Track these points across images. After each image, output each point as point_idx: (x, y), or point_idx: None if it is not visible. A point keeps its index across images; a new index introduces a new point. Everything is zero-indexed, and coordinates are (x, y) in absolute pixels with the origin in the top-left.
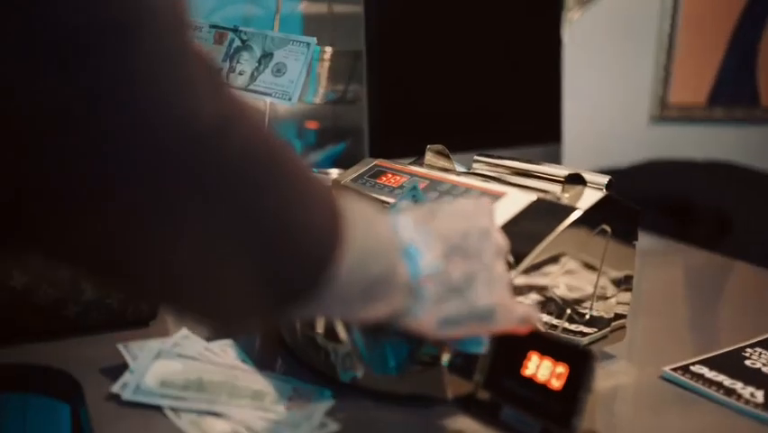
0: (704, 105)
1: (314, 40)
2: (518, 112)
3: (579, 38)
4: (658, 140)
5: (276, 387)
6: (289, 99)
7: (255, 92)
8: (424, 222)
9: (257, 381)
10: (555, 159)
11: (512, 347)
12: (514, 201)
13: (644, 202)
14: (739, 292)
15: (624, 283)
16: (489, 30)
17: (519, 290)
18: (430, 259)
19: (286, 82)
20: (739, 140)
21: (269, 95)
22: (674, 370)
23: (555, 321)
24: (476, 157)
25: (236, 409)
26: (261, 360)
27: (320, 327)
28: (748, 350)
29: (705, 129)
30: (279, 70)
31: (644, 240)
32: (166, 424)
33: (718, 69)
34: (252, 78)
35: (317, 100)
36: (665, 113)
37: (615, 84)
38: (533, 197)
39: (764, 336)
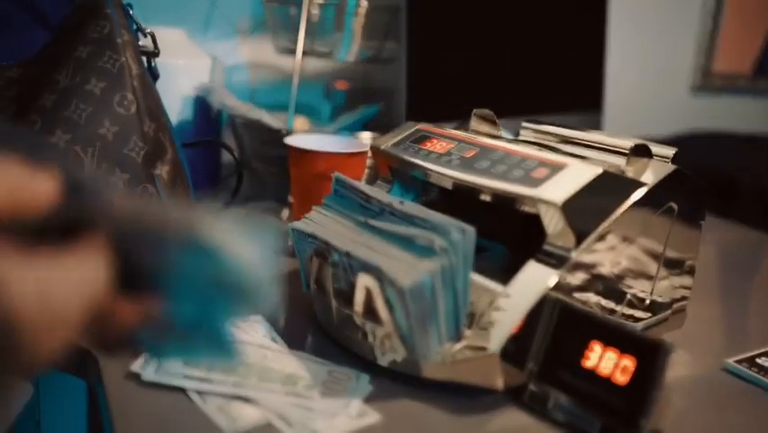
0: (749, 75)
1: None
2: (561, 78)
3: (622, 3)
4: (700, 110)
5: (309, 370)
6: None
7: None
8: None
9: (289, 363)
10: (596, 127)
11: (572, 336)
12: (574, 174)
13: None
14: None
15: (688, 266)
16: None
17: (576, 277)
18: None
19: None
20: None
21: None
22: (738, 362)
23: (613, 305)
24: (524, 123)
25: (267, 393)
26: (293, 340)
27: (358, 305)
28: None
29: (750, 100)
30: None
31: None
32: (190, 407)
33: (766, 38)
34: None
35: (350, 58)
36: (708, 82)
37: (657, 51)
38: (597, 169)
39: None
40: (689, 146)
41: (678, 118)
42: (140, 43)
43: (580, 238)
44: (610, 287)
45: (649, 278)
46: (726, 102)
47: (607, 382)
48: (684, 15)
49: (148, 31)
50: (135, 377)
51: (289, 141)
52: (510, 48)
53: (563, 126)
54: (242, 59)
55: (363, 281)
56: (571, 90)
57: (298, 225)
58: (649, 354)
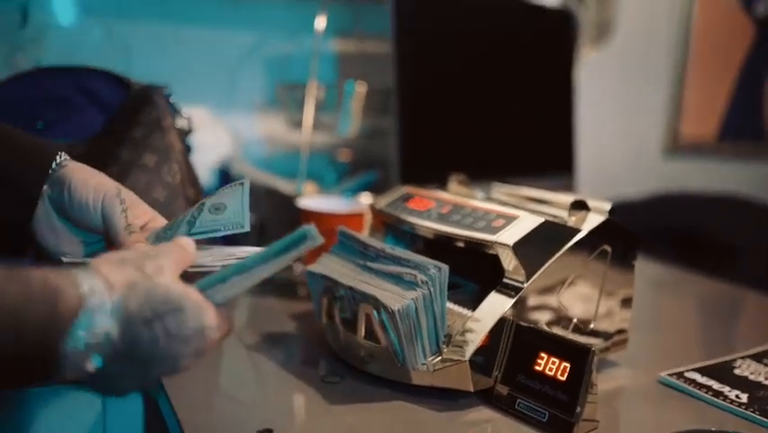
0: (714, 140)
1: (247, 180)
2: (535, 145)
3: (593, 74)
4: (670, 173)
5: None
6: (242, 227)
7: (202, 233)
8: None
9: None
10: (569, 190)
11: (525, 347)
12: (525, 223)
13: (655, 233)
14: (736, 313)
15: (624, 301)
16: (509, 68)
17: (530, 305)
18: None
19: (229, 215)
20: (746, 174)
21: (219, 230)
22: (670, 375)
23: (562, 331)
24: (495, 185)
25: None
26: (308, 361)
27: (360, 329)
28: (738, 361)
29: (714, 163)
30: (218, 209)
31: (654, 268)
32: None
33: (727, 106)
34: (191, 224)
35: (350, 133)
36: (677, 147)
37: (628, 118)
38: (541, 219)
39: (755, 350)
40: (660, 206)
41: (649, 180)
42: (178, 123)
43: (530, 273)
44: (559, 315)
45: (591, 309)
46: (693, 165)
47: (552, 381)
48: (651, 84)
49: (185, 114)
50: (193, 382)
51: (301, 203)
52: (488, 118)
53: (525, 188)
54: (258, 133)
55: (364, 309)
56: (546, 157)
57: (312, 267)
58: (580, 358)
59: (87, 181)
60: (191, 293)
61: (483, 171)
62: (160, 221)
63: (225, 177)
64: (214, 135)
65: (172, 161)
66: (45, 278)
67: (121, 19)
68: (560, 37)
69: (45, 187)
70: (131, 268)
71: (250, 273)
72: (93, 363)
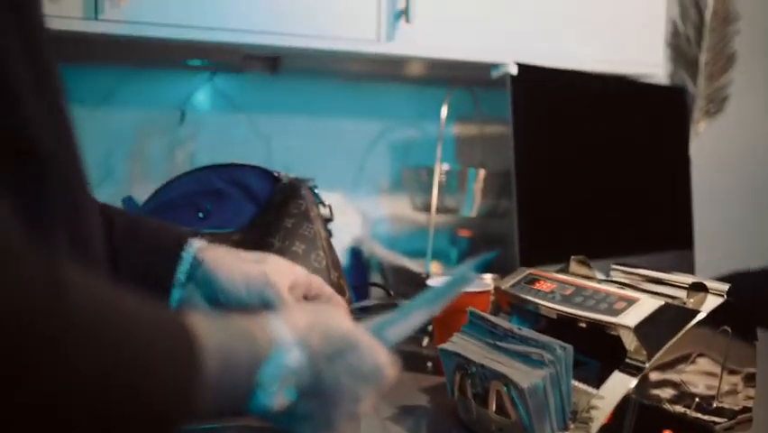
0: None
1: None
2: (653, 221)
3: (708, 146)
4: None
5: None
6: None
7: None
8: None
9: None
10: (689, 262)
11: (648, 425)
12: (645, 305)
13: None
14: None
15: (748, 378)
16: (624, 146)
17: (652, 382)
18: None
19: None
20: None
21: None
22: None
23: (684, 409)
24: (613, 266)
25: None
26: None
27: (491, 404)
28: None
29: None
30: None
31: None
32: None
33: None
34: None
35: (473, 214)
36: None
37: (745, 190)
38: (661, 302)
39: None
40: None
41: None
42: (322, 213)
43: (651, 353)
44: (682, 393)
45: (714, 386)
46: None
47: None
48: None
49: (327, 203)
50: None
51: (431, 283)
52: (606, 197)
53: (644, 268)
54: (384, 214)
55: (495, 386)
56: (663, 232)
57: (445, 346)
58: None
59: (234, 280)
60: (364, 333)
61: (601, 249)
62: (303, 278)
63: (357, 256)
64: (347, 218)
65: (318, 247)
66: (241, 322)
67: (262, 113)
68: (672, 113)
69: (190, 286)
70: (309, 312)
71: (414, 316)
72: (286, 397)
